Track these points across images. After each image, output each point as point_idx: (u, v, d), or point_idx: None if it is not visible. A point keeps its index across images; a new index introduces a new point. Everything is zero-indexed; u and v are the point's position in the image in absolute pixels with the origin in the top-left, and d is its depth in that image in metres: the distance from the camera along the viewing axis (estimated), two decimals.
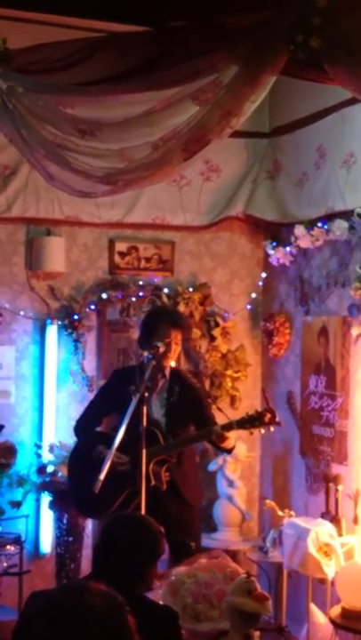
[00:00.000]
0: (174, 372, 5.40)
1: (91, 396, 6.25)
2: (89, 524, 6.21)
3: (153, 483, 5.02)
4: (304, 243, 5.93)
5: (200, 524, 5.58)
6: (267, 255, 6.56)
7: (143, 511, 4.38)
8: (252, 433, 5.19)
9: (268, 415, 4.99)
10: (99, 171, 4.40)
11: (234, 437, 5.16)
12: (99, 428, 5.52)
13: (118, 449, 4.62)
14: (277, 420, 5.03)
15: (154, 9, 4.39)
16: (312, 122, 5.95)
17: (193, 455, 5.57)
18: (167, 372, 5.35)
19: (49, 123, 4.42)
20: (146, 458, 4.63)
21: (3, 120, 4.47)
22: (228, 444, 5.15)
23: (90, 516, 5.72)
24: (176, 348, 5.30)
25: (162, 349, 5.08)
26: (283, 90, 5.50)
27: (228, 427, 5.04)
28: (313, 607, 5.35)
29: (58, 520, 6.05)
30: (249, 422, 5.00)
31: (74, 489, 5.41)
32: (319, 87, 5.19)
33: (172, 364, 5.42)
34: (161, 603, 3.85)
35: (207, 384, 6.51)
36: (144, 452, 4.59)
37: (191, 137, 4.19)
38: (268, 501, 5.92)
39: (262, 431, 5.12)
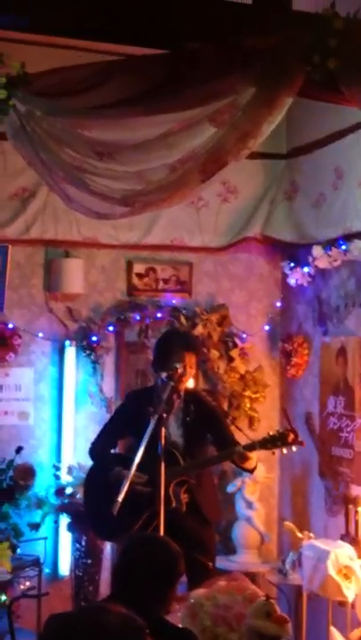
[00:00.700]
0: (189, 391, 5.38)
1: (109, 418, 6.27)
2: (108, 547, 6.19)
3: (173, 504, 5.01)
4: (322, 263, 5.93)
5: (216, 544, 5.56)
6: (284, 276, 6.56)
7: (162, 532, 4.37)
8: (273, 453, 5.16)
9: (292, 435, 4.98)
10: (117, 193, 4.41)
11: (256, 457, 5.14)
12: (114, 450, 5.52)
13: (138, 471, 4.62)
14: (300, 439, 5.01)
15: (171, 32, 4.41)
16: (329, 143, 5.96)
17: (211, 475, 5.54)
18: (182, 392, 5.35)
19: (67, 145, 4.44)
20: (166, 479, 4.63)
21: (21, 143, 4.50)
22: (249, 465, 5.14)
23: (109, 539, 5.70)
24: (191, 371, 5.28)
25: (180, 370, 5.07)
26: (300, 111, 5.52)
27: (251, 447, 5.03)
28: (333, 630, 5.30)
29: (76, 542, 6.04)
30: (271, 442, 4.98)
31: (91, 512, 5.39)
32: (336, 108, 5.21)
33: (191, 382, 5.42)
34: (180, 626, 3.83)
35: (225, 405, 6.49)
36: (162, 472, 4.59)
37: (208, 158, 4.20)
38: (287, 523, 5.90)
39: (284, 451, 5.09)
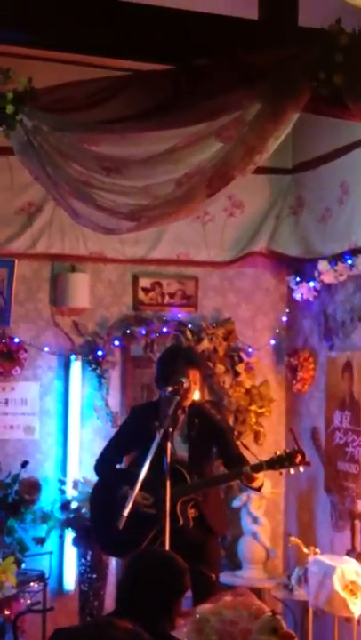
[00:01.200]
0: (193, 405, 5.33)
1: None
2: (113, 561, 6.18)
3: (181, 523, 5.00)
4: (328, 278, 5.94)
5: (221, 556, 5.55)
6: (290, 290, 6.57)
7: (168, 547, 4.35)
8: (281, 473, 5.14)
9: (299, 457, 4.94)
10: (123, 207, 4.42)
11: (262, 476, 5.10)
12: (120, 465, 5.51)
13: (144, 488, 4.62)
14: (307, 460, 4.98)
15: (177, 47, 4.43)
16: (335, 158, 5.98)
17: (218, 489, 5.51)
18: (186, 407, 5.32)
19: (74, 160, 4.45)
20: (172, 497, 4.63)
21: (29, 158, 4.51)
22: (257, 484, 5.10)
23: (116, 555, 5.69)
24: (195, 387, 5.25)
25: (185, 385, 5.06)
26: (306, 126, 5.53)
27: (258, 467, 4.97)
28: None
29: (82, 557, 6.03)
30: (279, 463, 4.95)
31: (97, 529, 5.38)
32: (342, 123, 5.22)
33: (197, 395, 5.41)
34: None
35: (231, 419, 6.47)
36: (168, 488, 4.58)
37: (215, 173, 4.21)
38: (292, 538, 5.88)
39: (292, 471, 5.06)
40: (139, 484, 4.55)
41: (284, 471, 5.58)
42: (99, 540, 5.43)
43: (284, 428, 6.72)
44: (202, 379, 5.44)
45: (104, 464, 5.42)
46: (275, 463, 4.95)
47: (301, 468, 5.01)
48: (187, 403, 5.23)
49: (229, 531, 5.92)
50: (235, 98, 4.11)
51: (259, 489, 5.27)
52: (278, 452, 5.03)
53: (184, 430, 5.29)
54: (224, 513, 5.55)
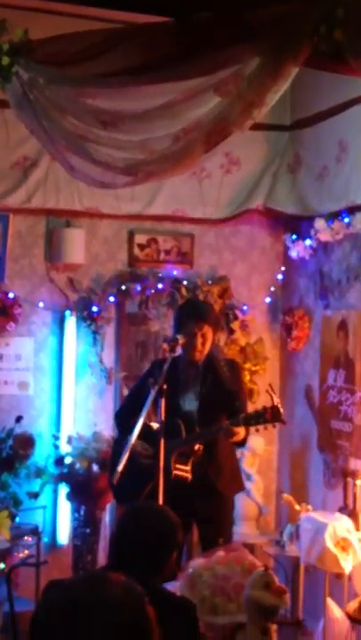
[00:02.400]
0: (208, 362, 5.31)
1: (109, 389, 6.29)
2: (106, 516, 6.22)
3: (173, 475, 5.02)
4: (324, 236, 5.91)
5: (231, 517, 5.50)
6: (286, 249, 6.54)
7: (165, 503, 4.36)
8: (258, 430, 5.09)
9: (270, 412, 4.88)
10: (120, 162, 4.38)
11: (243, 431, 5.05)
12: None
13: (149, 440, 4.74)
14: (283, 418, 4.92)
15: (177, 1, 4.38)
16: (333, 115, 5.92)
17: (229, 446, 5.34)
18: (200, 363, 5.30)
19: (70, 114, 4.40)
20: (167, 451, 4.65)
21: (24, 111, 4.46)
22: (236, 439, 5.07)
23: (121, 503, 5.69)
24: (203, 342, 5.22)
25: (181, 341, 5.07)
26: (305, 83, 5.48)
27: (235, 423, 4.98)
28: (330, 602, 5.33)
29: (75, 511, 6.07)
30: (254, 419, 4.92)
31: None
32: (341, 80, 5.18)
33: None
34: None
35: None
36: (162, 444, 4.62)
37: (213, 129, 4.17)
38: (285, 495, 5.92)
39: (274, 427, 5.04)
40: (133, 440, 4.59)
41: (278, 427, 5.59)
42: (112, 489, 5.47)
43: (279, 386, 6.73)
44: (213, 334, 5.33)
45: (121, 415, 5.44)
46: (250, 419, 4.93)
47: (275, 426, 4.96)
48: (195, 357, 5.23)
49: (241, 488, 5.78)
50: (234, 52, 4.05)
51: (241, 444, 5.25)
52: (258, 409, 5.01)
53: (196, 386, 5.29)
54: (234, 472, 5.43)
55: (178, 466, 5.09)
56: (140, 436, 4.77)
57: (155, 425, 4.76)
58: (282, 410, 4.93)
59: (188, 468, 5.12)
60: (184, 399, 5.25)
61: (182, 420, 5.14)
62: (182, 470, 5.11)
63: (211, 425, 5.16)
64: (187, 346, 5.21)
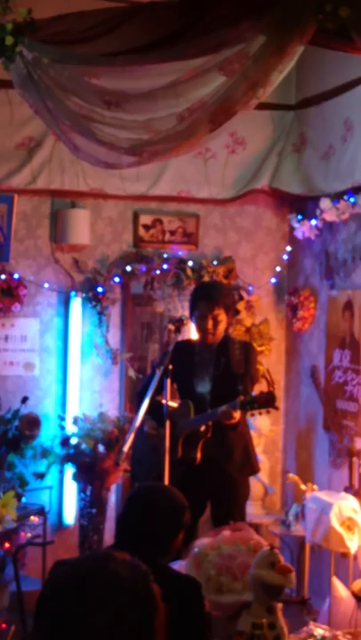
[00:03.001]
0: (223, 344, 5.29)
1: (115, 369, 6.30)
2: (112, 496, 6.24)
3: (179, 455, 5.04)
4: (330, 216, 5.89)
5: (244, 500, 5.43)
6: (292, 229, 6.53)
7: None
8: (253, 415, 5.05)
9: (263, 398, 4.80)
10: (124, 142, 4.37)
11: (238, 415, 4.96)
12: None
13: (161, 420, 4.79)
14: (275, 404, 4.81)
15: None
16: (339, 94, 5.89)
17: (243, 426, 5.32)
18: (215, 345, 5.28)
19: (75, 94, 4.39)
20: (175, 433, 4.69)
21: (28, 91, 4.45)
22: (230, 423, 4.99)
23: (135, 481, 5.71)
24: (214, 324, 5.19)
25: (186, 322, 5.08)
26: (310, 62, 5.46)
27: (233, 406, 4.91)
28: (335, 581, 5.36)
29: (81, 492, 6.09)
30: (249, 404, 4.83)
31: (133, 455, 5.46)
32: (346, 59, 5.15)
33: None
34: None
35: None
36: (168, 426, 4.66)
37: (217, 108, 4.15)
38: (291, 475, 5.93)
39: (268, 412, 4.99)
40: (138, 422, 4.61)
41: (282, 407, 5.57)
42: (131, 466, 5.51)
43: (284, 366, 6.74)
44: (227, 315, 5.30)
45: (139, 393, 5.44)
46: (246, 404, 4.84)
47: (267, 412, 4.90)
48: (208, 340, 5.23)
49: (255, 470, 5.70)
50: (239, 31, 4.03)
51: (233, 427, 5.12)
52: (255, 393, 4.93)
53: (210, 368, 5.28)
54: (247, 453, 5.36)
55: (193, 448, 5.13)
56: (155, 417, 4.80)
57: (172, 404, 4.80)
58: (275, 396, 4.83)
59: (197, 450, 5.12)
60: (197, 382, 5.25)
61: (194, 401, 5.14)
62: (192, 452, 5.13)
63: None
64: (199, 328, 5.22)
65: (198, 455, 5.11)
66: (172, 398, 5.29)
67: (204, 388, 5.25)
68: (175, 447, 5.00)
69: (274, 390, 4.84)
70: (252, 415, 5.05)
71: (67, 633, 2.01)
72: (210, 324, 5.19)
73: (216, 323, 5.21)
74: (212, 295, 5.27)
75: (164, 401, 4.77)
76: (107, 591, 2.02)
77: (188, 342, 5.47)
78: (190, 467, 5.08)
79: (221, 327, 5.24)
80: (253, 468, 5.46)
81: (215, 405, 5.07)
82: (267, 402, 4.80)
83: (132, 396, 6.04)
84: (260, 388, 5.19)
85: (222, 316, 5.22)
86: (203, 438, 5.12)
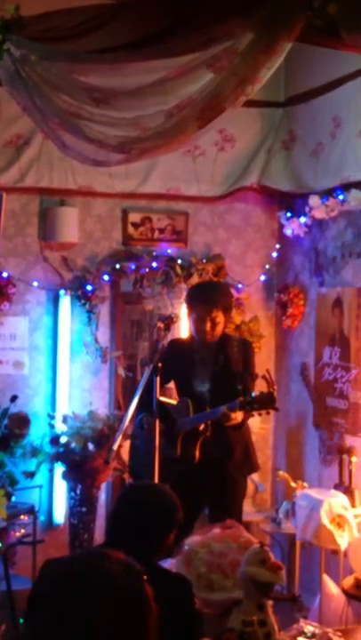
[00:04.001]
0: (221, 342, 5.27)
1: (105, 368, 6.29)
2: (102, 495, 6.23)
3: (178, 454, 5.04)
4: (319, 213, 5.89)
5: (241, 498, 5.39)
6: (281, 226, 6.53)
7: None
8: (253, 415, 5.03)
9: (262, 400, 4.76)
10: (113, 139, 4.35)
11: (240, 415, 4.95)
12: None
13: (163, 418, 4.79)
14: (276, 405, 4.79)
15: None
16: (328, 91, 5.89)
17: (242, 428, 5.25)
18: (214, 344, 5.26)
19: (63, 91, 4.37)
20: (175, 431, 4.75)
21: (16, 89, 4.43)
22: (234, 423, 4.96)
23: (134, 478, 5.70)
24: (213, 325, 5.16)
25: (176, 320, 5.07)
26: (298, 59, 5.45)
27: (233, 407, 4.87)
28: (326, 578, 5.36)
29: (71, 490, 6.08)
30: (249, 405, 4.79)
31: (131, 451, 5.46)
32: (335, 55, 5.15)
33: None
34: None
35: None
36: (158, 425, 4.66)
37: (206, 105, 4.14)
38: (281, 473, 5.93)
39: (268, 414, 4.96)
40: (127, 421, 4.62)
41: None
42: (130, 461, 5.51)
43: (274, 364, 6.74)
44: (225, 315, 5.28)
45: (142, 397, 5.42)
46: (245, 405, 4.79)
47: (267, 413, 4.87)
48: (206, 339, 5.21)
49: (256, 469, 5.65)
50: (227, 27, 4.02)
51: (236, 427, 5.10)
52: (255, 394, 4.86)
53: (209, 366, 5.27)
54: (248, 452, 5.33)
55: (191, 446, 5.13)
56: (159, 416, 4.78)
57: (167, 400, 4.85)
58: (275, 397, 4.79)
59: (196, 449, 5.11)
60: (196, 380, 5.23)
61: (193, 400, 5.12)
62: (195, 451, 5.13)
63: (221, 404, 5.13)
64: (197, 330, 5.20)
65: (197, 454, 5.10)
66: (171, 397, 5.32)
67: (203, 386, 5.23)
68: (174, 445, 5.00)
69: (274, 391, 4.79)
70: (252, 416, 5.04)
71: (60, 632, 1.99)
72: (208, 326, 5.17)
73: (214, 324, 5.19)
74: (211, 298, 5.22)
75: (161, 398, 4.76)
76: (101, 591, 2.00)
77: (186, 340, 5.46)
78: (189, 465, 5.07)
79: (220, 328, 5.23)
80: (253, 466, 5.45)
81: (214, 403, 5.05)
82: (266, 403, 4.76)
83: (123, 394, 6.02)
84: (259, 388, 5.17)
85: (220, 318, 5.20)
86: (202, 437, 5.11)
